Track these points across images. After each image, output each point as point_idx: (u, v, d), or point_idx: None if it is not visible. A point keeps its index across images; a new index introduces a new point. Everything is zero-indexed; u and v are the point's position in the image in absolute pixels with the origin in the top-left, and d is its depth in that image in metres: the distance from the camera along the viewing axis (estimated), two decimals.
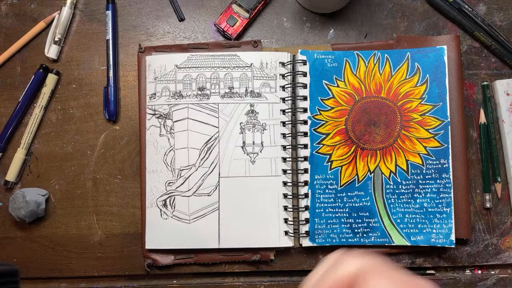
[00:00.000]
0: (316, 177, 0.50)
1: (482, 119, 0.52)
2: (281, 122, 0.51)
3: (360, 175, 0.50)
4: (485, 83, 0.53)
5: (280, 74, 0.52)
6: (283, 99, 0.51)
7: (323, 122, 0.51)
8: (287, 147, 0.51)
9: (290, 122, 0.51)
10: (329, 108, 0.51)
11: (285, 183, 0.50)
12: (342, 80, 0.51)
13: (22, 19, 0.57)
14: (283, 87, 0.51)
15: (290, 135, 0.51)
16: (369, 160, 0.50)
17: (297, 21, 0.55)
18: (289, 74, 0.51)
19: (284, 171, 0.51)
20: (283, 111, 0.51)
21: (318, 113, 0.51)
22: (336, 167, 0.50)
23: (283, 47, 0.54)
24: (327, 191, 0.50)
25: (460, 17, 0.53)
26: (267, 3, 0.55)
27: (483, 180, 0.52)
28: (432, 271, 0.51)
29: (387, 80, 0.51)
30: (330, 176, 0.50)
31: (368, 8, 0.55)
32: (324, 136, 0.51)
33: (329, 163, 0.50)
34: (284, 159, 0.51)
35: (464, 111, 0.51)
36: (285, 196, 0.50)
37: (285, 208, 0.50)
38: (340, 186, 0.50)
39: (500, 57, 0.53)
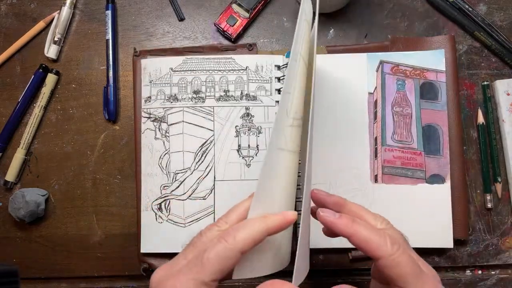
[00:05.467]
0: None
1: (480, 119, 0.52)
2: None
3: None
4: (485, 83, 0.53)
5: (275, 77, 0.51)
6: (279, 102, 0.51)
7: None
8: None
9: None
10: None
11: None
12: None
13: (22, 19, 0.57)
14: (279, 90, 0.51)
15: None
16: None
17: (297, 21, 0.55)
18: (284, 77, 0.51)
19: None
20: None
21: None
22: None
23: (279, 50, 0.54)
24: None
25: (460, 17, 0.53)
26: (267, 3, 0.55)
27: (483, 180, 0.51)
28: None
29: None
30: None
31: (368, 8, 0.55)
32: None
33: None
34: None
35: (461, 111, 0.51)
36: None
37: None
38: None
39: (500, 57, 0.53)
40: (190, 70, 0.52)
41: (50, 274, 0.53)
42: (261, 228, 0.33)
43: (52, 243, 0.53)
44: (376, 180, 0.50)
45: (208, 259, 0.31)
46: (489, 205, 0.51)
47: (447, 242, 0.48)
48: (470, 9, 0.53)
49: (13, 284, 0.38)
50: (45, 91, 0.54)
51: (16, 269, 0.38)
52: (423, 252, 0.50)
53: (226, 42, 0.55)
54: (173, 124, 0.51)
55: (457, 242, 0.50)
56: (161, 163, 0.51)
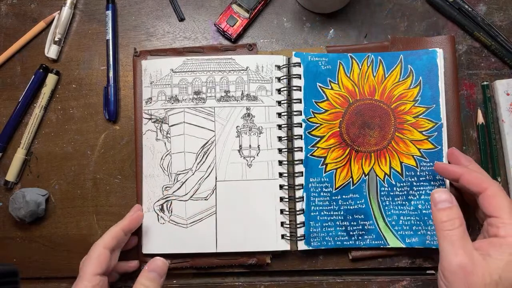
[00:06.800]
0: (311, 180, 0.50)
1: (480, 119, 0.52)
2: (277, 125, 0.51)
3: (355, 177, 0.50)
4: (485, 83, 0.53)
5: (276, 77, 0.51)
6: (279, 102, 0.51)
7: (318, 124, 0.51)
8: (283, 150, 0.51)
9: (286, 125, 0.51)
10: (323, 110, 0.51)
11: (281, 186, 0.50)
12: (336, 82, 0.51)
13: (22, 19, 0.57)
14: (279, 90, 0.51)
15: (286, 138, 0.51)
16: (364, 163, 0.50)
17: (297, 21, 0.55)
18: (284, 77, 0.51)
19: (281, 174, 0.50)
20: (279, 114, 0.51)
21: (313, 116, 0.51)
22: (331, 169, 0.50)
23: (279, 50, 0.54)
24: (322, 194, 0.50)
25: (460, 17, 0.53)
26: (267, 3, 0.55)
27: None
28: (432, 271, 0.51)
29: (380, 82, 0.51)
30: (325, 179, 0.50)
31: (368, 8, 0.55)
32: (319, 138, 0.50)
33: (324, 166, 0.50)
34: (281, 162, 0.51)
35: (460, 112, 0.51)
36: (281, 199, 0.50)
37: (282, 211, 0.50)
38: (335, 189, 0.50)
39: (500, 57, 0.53)
40: (191, 71, 0.52)
41: (50, 274, 0.53)
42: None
43: (52, 243, 0.53)
44: None
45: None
46: None
47: None
48: (470, 9, 0.53)
49: (13, 284, 0.38)
50: (46, 91, 0.54)
51: (16, 269, 0.38)
52: (423, 252, 0.50)
53: (226, 42, 0.55)
54: (174, 125, 0.51)
55: None
56: (162, 164, 0.51)
